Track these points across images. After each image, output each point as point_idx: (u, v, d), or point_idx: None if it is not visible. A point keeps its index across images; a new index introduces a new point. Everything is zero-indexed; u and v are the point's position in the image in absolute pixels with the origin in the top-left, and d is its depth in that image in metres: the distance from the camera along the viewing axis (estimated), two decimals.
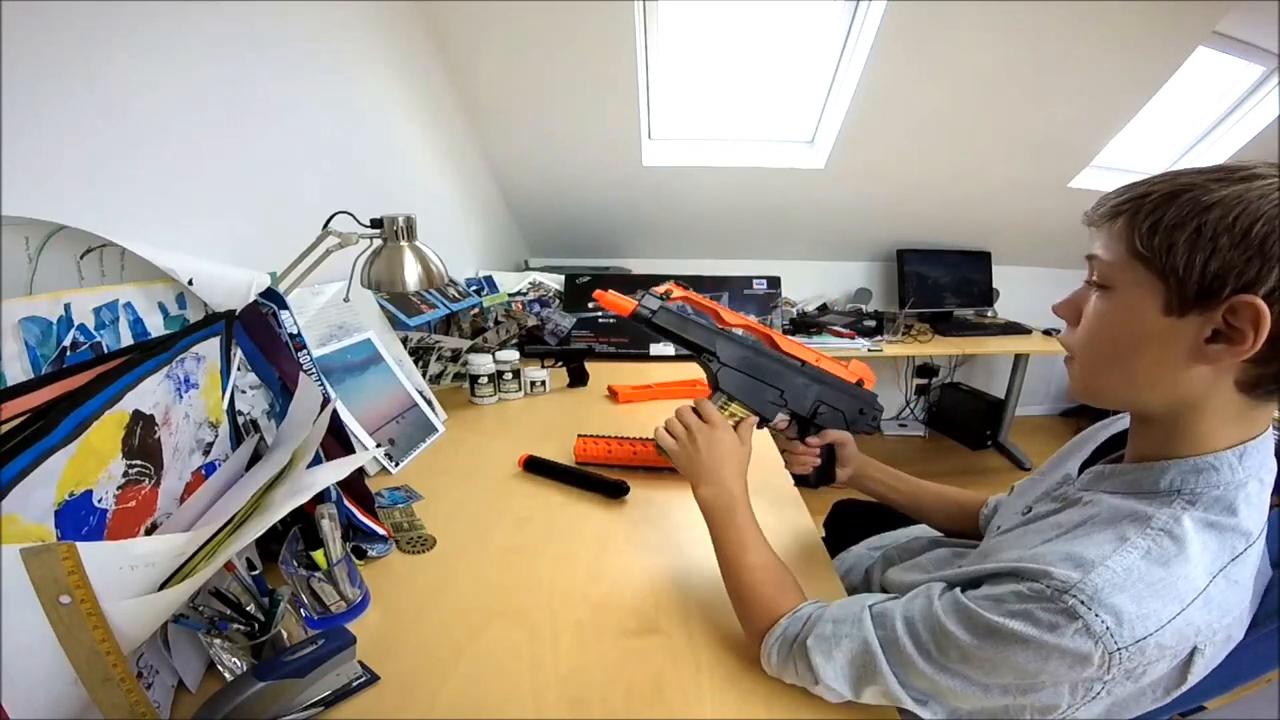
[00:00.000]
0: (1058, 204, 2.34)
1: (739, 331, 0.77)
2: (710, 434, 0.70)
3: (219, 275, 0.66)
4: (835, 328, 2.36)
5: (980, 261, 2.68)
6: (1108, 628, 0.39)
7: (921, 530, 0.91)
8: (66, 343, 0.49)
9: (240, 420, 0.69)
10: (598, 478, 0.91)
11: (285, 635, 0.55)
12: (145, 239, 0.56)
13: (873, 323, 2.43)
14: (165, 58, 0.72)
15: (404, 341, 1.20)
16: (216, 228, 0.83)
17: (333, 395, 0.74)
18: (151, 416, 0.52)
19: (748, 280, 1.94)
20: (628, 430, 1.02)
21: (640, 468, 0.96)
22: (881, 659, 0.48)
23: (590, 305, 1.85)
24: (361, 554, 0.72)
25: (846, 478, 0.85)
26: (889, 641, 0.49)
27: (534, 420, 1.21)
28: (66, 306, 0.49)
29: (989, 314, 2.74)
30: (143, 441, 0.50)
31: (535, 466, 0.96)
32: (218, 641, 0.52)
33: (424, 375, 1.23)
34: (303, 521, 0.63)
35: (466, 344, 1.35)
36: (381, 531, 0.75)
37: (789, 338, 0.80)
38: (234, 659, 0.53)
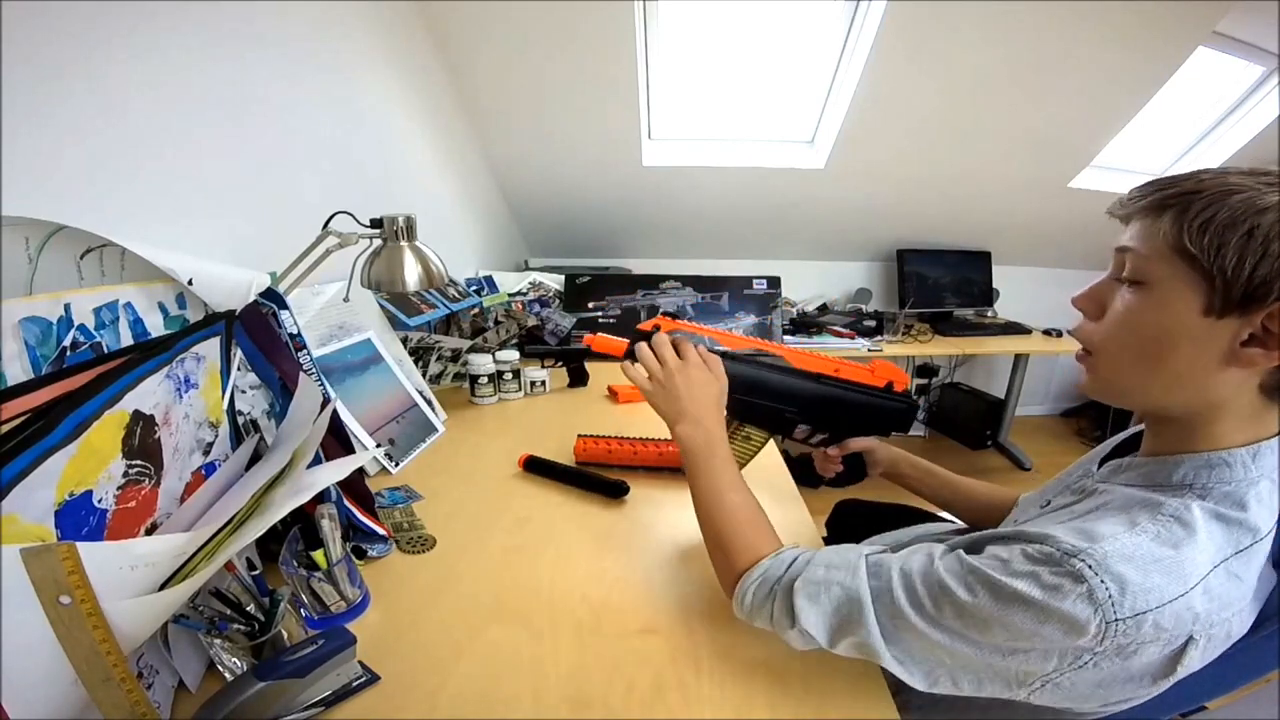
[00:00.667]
0: (1058, 204, 2.34)
1: (746, 351, 0.76)
2: (687, 372, 0.70)
3: (219, 275, 0.66)
4: (835, 328, 2.35)
5: (980, 261, 2.68)
6: (1110, 595, 0.39)
7: (924, 529, 0.91)
8: (66, 343, 0.49)
9: (240, 420, 0.69)
10: (598, 478, 0.91)
11: (285, 635, 0.55)
12: (145, 239, 0.56)
13: (873, 323, 2.43)
14: (165, 58, 0.72)
15: (404, 341, 1.20)
16: (216, 228, 0.83)
17: (333, 395, 0.74)
18: (151, 416, 0.52)
19: (748, 280, 1.95)
20: (628, 430, 1.02)
21: (640, 468, 0.96)
22: (869, 610, 0.48)
23: (590, 305, 1.86)
24: (361, 554, 0.72)
25: (878, 474, 0.85)
26: (881, 592, 0.49)
27: (534, 420, 1.21)
28: (66, 306, 0.49)
29: (989, 314, 2.75)
30: (143, 441, 0.50)
31: (535, 466, 0.96)
32: (218, 641, 0.52)
33: (424, 375, 1.23)
34: (303, 521, 0.63)
35: (466, 344, 1.35)
36: (381, 531, 0.75)
37: (803, 350, 0.77)
38: (234, 659, 0.53)
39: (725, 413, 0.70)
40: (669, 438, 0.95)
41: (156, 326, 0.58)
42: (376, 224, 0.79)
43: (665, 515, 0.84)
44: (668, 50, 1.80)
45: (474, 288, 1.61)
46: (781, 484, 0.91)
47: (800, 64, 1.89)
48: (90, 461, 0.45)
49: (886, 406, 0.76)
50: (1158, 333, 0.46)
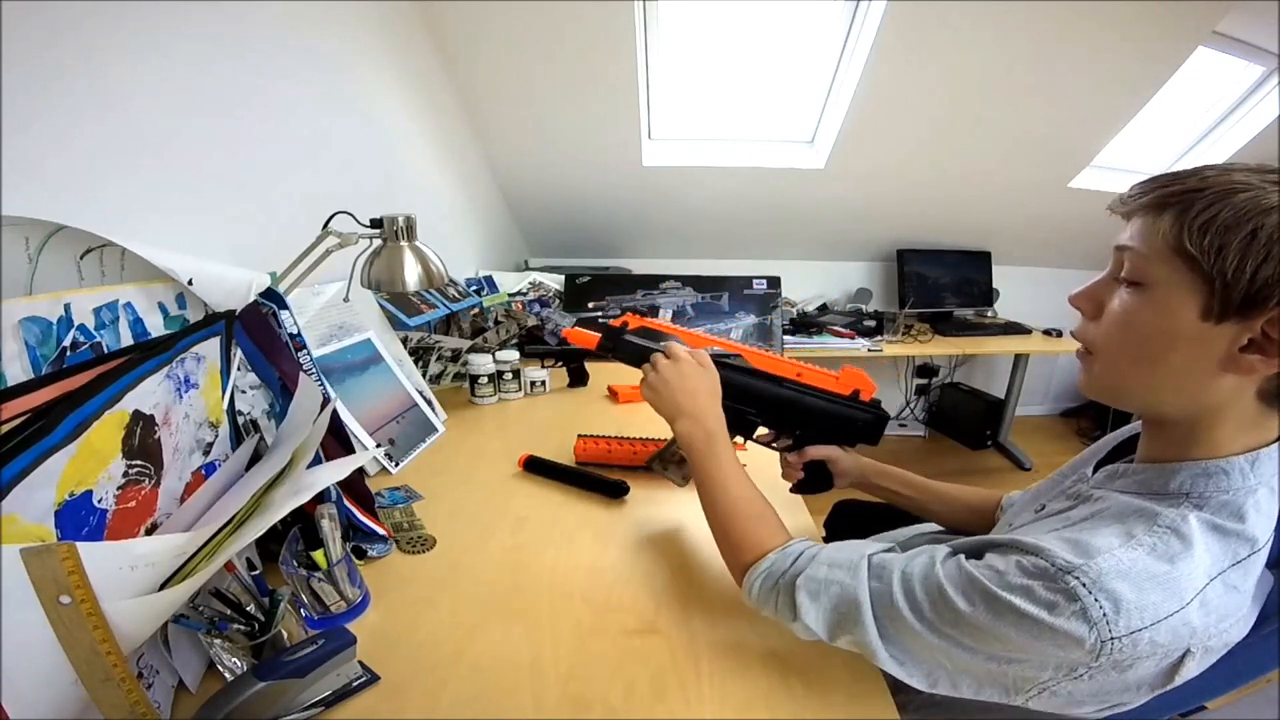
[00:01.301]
0: (1058, 204, 2.34)
1: (710, 351, 0.76)
2: (676, 367, 0.72)
3: (219, 275, 0.66)
4: (835, 328, 2.36)
5: (980, 261, 2.68)
6: (1105, 614, 0.39)
7: (925, 527, 0.91)
8: (66, 343, 0.49)
9: (240, 420, 0.69)
10: (598, 478, 0.91)
11: (285, 635, 0.55)
12: (145, 239, 0.56)
13: (873, 323, 2.43)
14: (165, 57, 0.72)
15: (404, 341, 1.20)
16: (216, 227, 0.83)
17: (333, 395, 0.74)
18: (151, 416, 0.52)
19: (748, 280, 1.94)
20: (628, 430, 1.02)
21: (640, 468, 0.96)
22: (867, 612, 0.49)
23: (590, 305, 1.86)
24: (361, 554, 0.72)
25: (846, 485, 0.83)
26: (882, 594, 0.49)
27: (534, 420, 1.21)
28: (66, 306, 0.49)
29: (989, 314, 2.75)
30: (143, 441, 0.50)
31: (535, 466, 0.96)
32: (218, 641, 0.52)
33: (424, 375, 1.23)
34: (303, 521, 0.63)
35: (466, 344, 1.35)
36: (381, 531, 0.75)
37: (766, 353, 0.77)
38: (234, 659, 0.53)
39: (712, 393, 0.71)
40: (669, 437, 0.95)
41: (156, 326, 0.58)
42: (376, 224, 0.79)
43: (665, 515, 0.84)
44: (668, 50, 1.80)
45: (474, 288, 1.61)
46: (781, 484, 0.90)
47: (800, 64, 1.89)
48: (90, 461, 0.45)
49: (846, 415, 0.74)
50: (1154, 335, 0.45)
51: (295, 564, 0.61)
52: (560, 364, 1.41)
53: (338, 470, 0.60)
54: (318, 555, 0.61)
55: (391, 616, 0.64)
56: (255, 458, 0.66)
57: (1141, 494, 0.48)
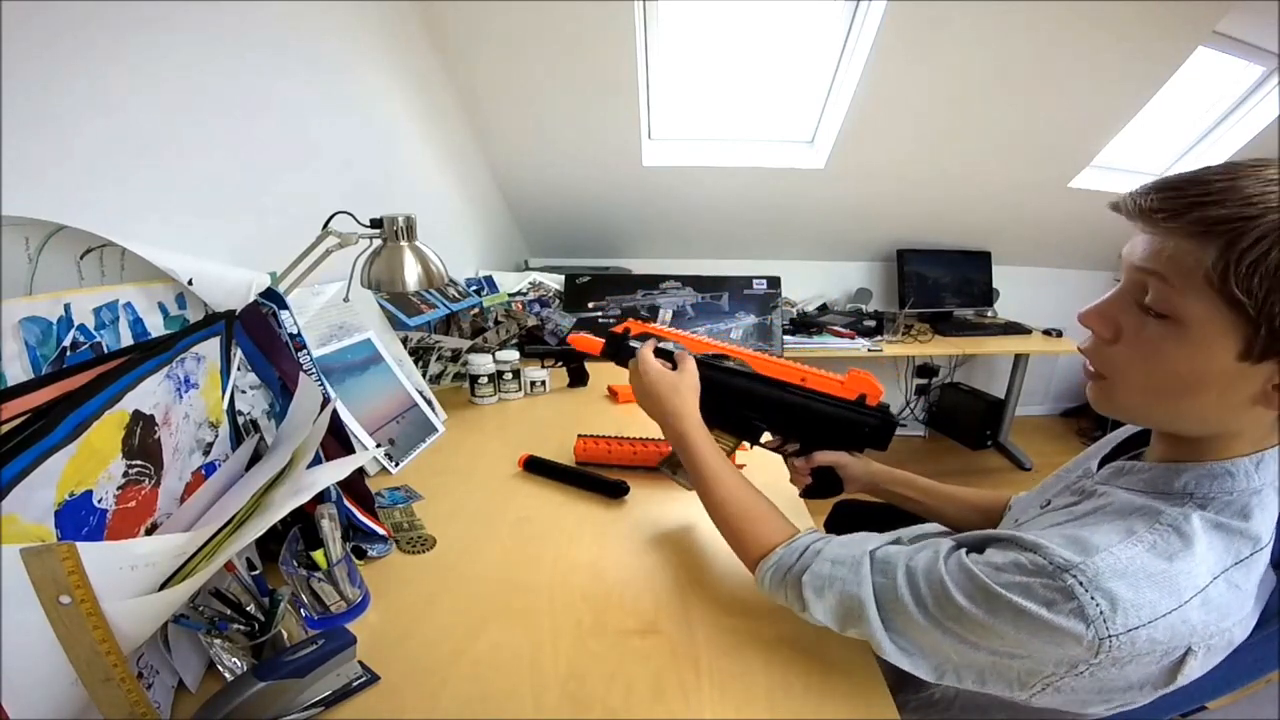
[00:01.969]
0: (1058, 204, 2.34)
1: (711, 356, 0.76)
2: (639, 381, 0.74)
3: (219, 275, 0.66)
4: (835, 328, 2.35)
5: (980, 261, 2.68)
6: (1101, 612, 0.39)
7: (929, 528, 0.91)
8: (66, 343, 0.49)
9: (240, 420, 0.69)
10: (598, 478, 0.91)
11: (285, 635, 0.55)
12: (145, 239, 0.56)
13: (873, 323, 2.43)
14: (165, 58, 0.72)
15: (404, 341, 1.20)
16: (216, 228, 0.83)
17: (333, 395, 0.74)
18: (151, 416, 0.52)
19: (748, 280, 1.95)
20: (628, 430, 1.02)
21: (640, 468, 0.96)
22: (871, 607, 0.50)
23: (590, 305, 1.86)
24: (361, 554, 0.72)
25: (856, 490, 0.82)
26: (886, 589, 0.50)
27: (534, 420, 1.21)
28: (66, 306, 0.49)
29: (989, 314, 2.75)
30: (143, 441, 0.50)
31: (535, 466, 0.96)
32: (218, 641, 0.52)
33: (424, 375, 1.23)
34: (303, 521, 0.63)
35: (466, 344, 1.35)
36: (381, 531, 0.75)
37: (769, 358, 0.76)
38: (234, 659, 0.53)
39: (674, 391, 0.71)
40: None
41: (156, 326, 0.58)
42: (376, 224, 0.79)
43: (665, 515, 0.84)
44: (668, 50, 1.80)
45: (474, 288, 1.61)
46: (781, 485, 0.90)
47: (800, 64, 1.89)
48: (90, 461, 0.45)
49: (853, 420, 0.73)
50: (1186, 373, 0.42)
51: (295, 564, 0.61)
52: (560, 364, 1.41)
53: (338, 470, 0.60)
54: (318, 555, 0.61)
55: (391, 616, 0.64)
56: (255, 458, 0.66)
57: (1146, 492, 0.48)
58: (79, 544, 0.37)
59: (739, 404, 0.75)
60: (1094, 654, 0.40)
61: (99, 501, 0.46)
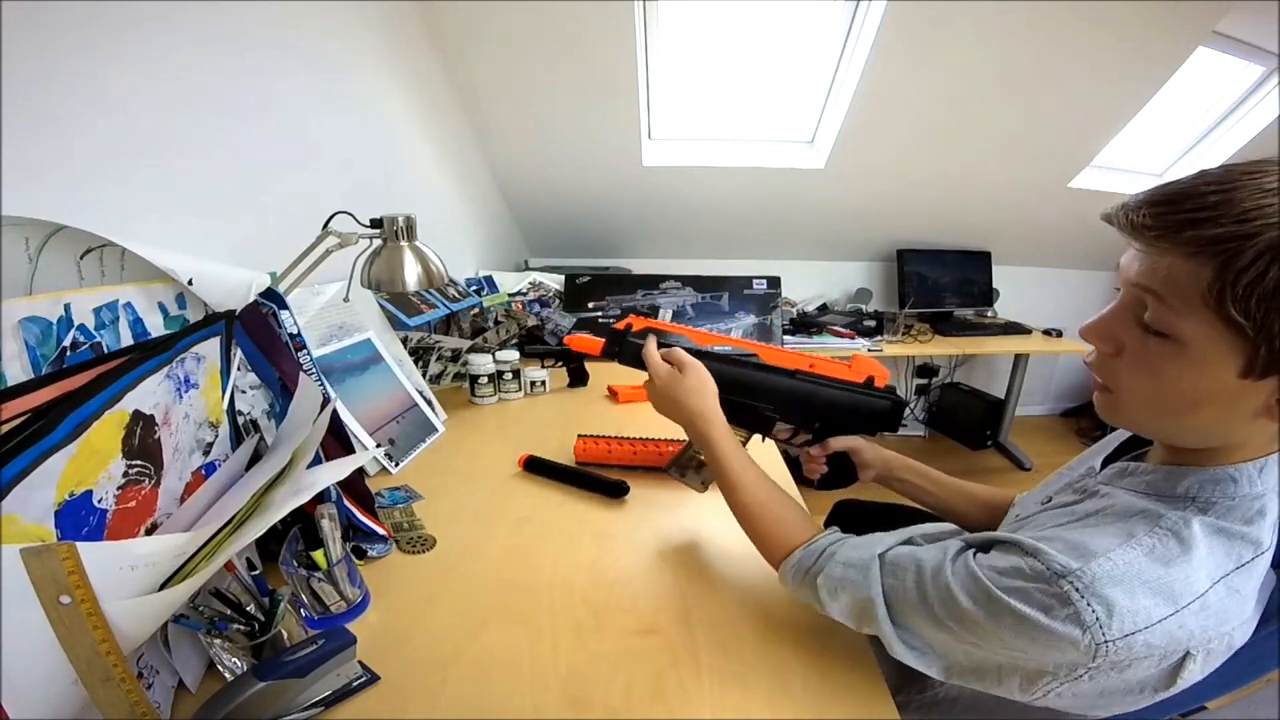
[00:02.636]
0: (1058, 204, 2.34)
1: (719, 349, 0.76)
2: (653, 387, 0.74)
3: (219, 275, 0.66)
4: (835, 328, 2.36)
5: (980, 261, 2.68)
6: (1098, 618, 0.39)
7: (942, 527, 0.90)
8: (66, 343, 0.49)
9: (240, 420, 0.69)
10: (598, 478, 0.91)
11: (285, 635, 0.55)
12: (145, 239, 0.56)
13: (873, 323, 2.43)
14: (165, 58, 0.72)
15: (404, 341, 1.20)
16: (216, 228, 0.83)
17: (333, 395, 0.74)
18: (151, 416, 0.52)
19: (748, 280, 1.94)
20: (628, 430, 1.02)
21: (640, 468, 0.96)
22: (881, 609, 0.50)
23: (590, 305, 1.86)
24: (361, 554, 0.72)
25: (870, 479, 0.82)
26: (895, 590, 0.50)
27: (534, 420, 1.21)
28: (66, 306, 0.49)
29: (989, 314, 2.75)
30: (143, 441, 0.50)
31: (535, 466, 0.96)
32: (218, 641, 0.52)
33: (424, 375, 1.23)
34: (303, 521, 0.63)
35: (466, 344, 1.35)
36: (381, 531, 0.75)
37: (775, 347, 0.77)
38: (234, 659, 0.53)
39: (692, 393, 0.71)
40: (668, 437, 0.95)
41: (156, 326, 0.58)
42: (376, 224, 0.79)
43: (665, 515, 0.84)
44: (668, 50, 1.80)
45: (474, 288, 1.61)
46: (786, 487, 0.90)
47: (800, 64, 1.89)
48: (90, 461, 0.45)
49: (864, 401, 0.74)
50: (1188, 391, 0.42)
51: (295, 564, 0.61)
52: (560, 364, 1.41)
53: (338, 470, 0.60)
54: (318, 555, 0.61)
55: (391, 616, 0.64)
56: (255, 458, 0.66)
57: (1148, 494, 0.48)
58: (79, 544, 0.37)
59: (750, 394, 0.75)
60: (1091, 659, 0.40)
61: (99, 501, 0.46)
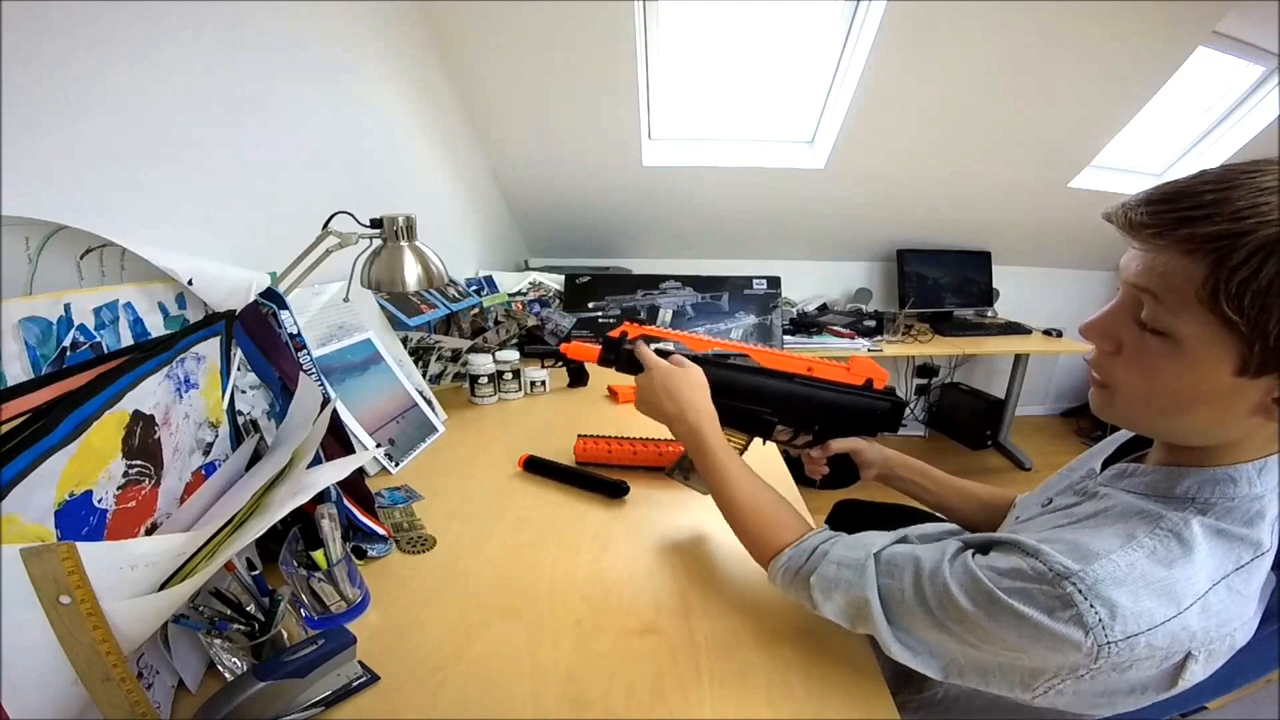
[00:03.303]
0: (1058, 204, 2.34)
1: (715, 354, 0.76)
2: (646, 380, 0.73)
3: (219, 275, 0.66)
4: (835, 328, 2.36)
5: (980, 261, 2.68)
6: (1100, 620, 0.39)
7: (937, 527, 0.90)
8: (66, 343, 0.49)
9: (240, 420, 0.69)
10: (598, 478, 0.91)
11: (285, 635, 0.55)
12: (145, 239, 0.56)
13: (873, 323, 2.43)
14: (165, 58, 0.72)
15: (404, 341, 1.20)
16: (217, 227, 0.83)
17: (333, 395, 0.74)
18: (151, 416, 0.52)
19: (748, 280, 1.95)
20: (628, 430, 1.02)
21: (640, 468, 0.96)
22: (876, 608, 0.50)
23: (590, 305, 1.86)
24: (361, 554, 0.72)
25: (872, 477, 0.82)
26: (891, 590, 0.50)
27: (534, 420, 1.21)
28: (66, 306, 0.49)
29: (989, 314, 2.75)
30: (143, 441, 0.50)
31: (535, 466, 0.96)
32: (218, 641, 0.52)
33: (424, 375, 1.23)
34: (303, 521, 0.63)
35: (466, 344, 1.35)
36: (381, 531, 0.75)
37: (773, 350, 0.77)
38: (234, 659, 0.53)
39: (685, 388, 0.71)
40: (669, 438, 0.95)
41: (156, 326, 0.58)
42: (376, 224, 0.79)
43: (665, 515, 0.84)
44: (668, 50, 1.80)
45: (474, 288, 1.61)
46: (782, 485, 0.90)
47: (800, 64, 1.89)
48: (90, 461, 0.45)
49: (864, 404, 0.74)
50: (1184, 389, 0.43)
51: (295, 564, 0.61)
52: (560, 364, 1.41)
53: (338, 470, 0.59)
54: (318, 555, 0.61)
55: (391, 616, 0.64)
56: (255, 458, 0.66)
57: (1147, 495, 0.48)
58: (79, 544, 0.37)
59: (749, 399, 0.75)
60: (1094, 660, 0.40)
61: (99, 501, 0.46)
